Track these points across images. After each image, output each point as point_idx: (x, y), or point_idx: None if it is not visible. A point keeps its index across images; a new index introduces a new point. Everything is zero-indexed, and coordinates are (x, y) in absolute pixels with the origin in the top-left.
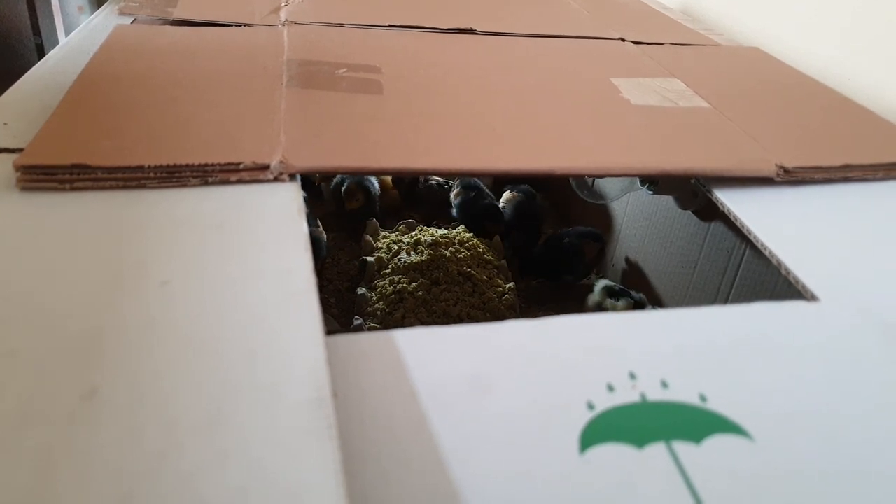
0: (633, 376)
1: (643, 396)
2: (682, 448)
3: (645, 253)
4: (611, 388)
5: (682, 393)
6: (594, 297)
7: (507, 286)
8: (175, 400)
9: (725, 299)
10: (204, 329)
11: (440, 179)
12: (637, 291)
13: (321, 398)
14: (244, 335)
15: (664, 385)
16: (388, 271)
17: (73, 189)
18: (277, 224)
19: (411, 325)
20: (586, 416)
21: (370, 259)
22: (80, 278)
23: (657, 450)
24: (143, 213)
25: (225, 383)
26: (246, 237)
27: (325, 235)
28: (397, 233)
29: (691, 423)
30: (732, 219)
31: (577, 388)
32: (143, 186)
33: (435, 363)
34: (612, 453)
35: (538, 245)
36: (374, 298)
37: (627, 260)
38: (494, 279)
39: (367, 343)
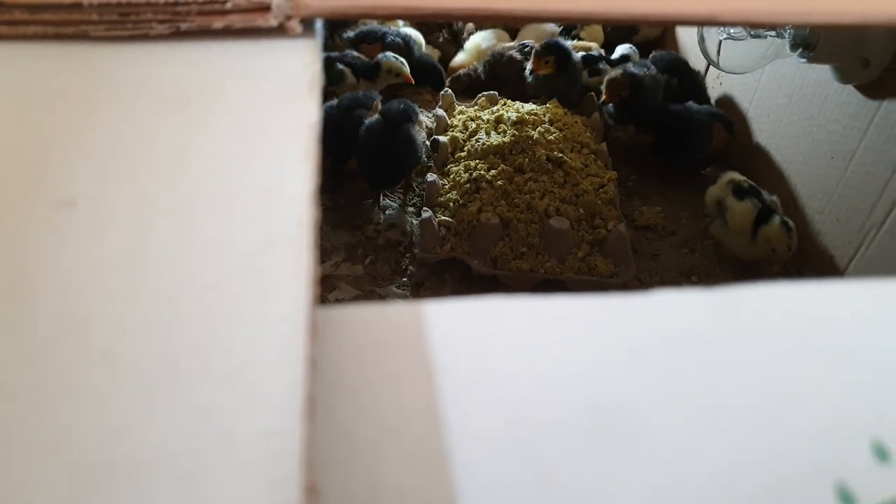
0: None
1: None
2: None
3: (781, 138)
4: (882, 454)
5: None
6: (715, 189)
7: (607, 176)
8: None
9: (893, 202)
10: (111, 301)
11: (520, 45)
12: (770, 192)
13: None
14: (180, 315)
15: None
16: (463, 154)
17: None
18: (274, 105)
19: (488, 219)
20: None
21: (443, 139)
22: None
23: None
24: (74, 79)
25: (133, 408)
26: (222, 125)
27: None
28: (476, 107)
29: None
30: None
31: (809, 448)
32: (84, 35)
33: (523, 379)
34: None
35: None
36: (447, 186)
37: (756, 146)
38: (591, 167)
39: (388, 324)
